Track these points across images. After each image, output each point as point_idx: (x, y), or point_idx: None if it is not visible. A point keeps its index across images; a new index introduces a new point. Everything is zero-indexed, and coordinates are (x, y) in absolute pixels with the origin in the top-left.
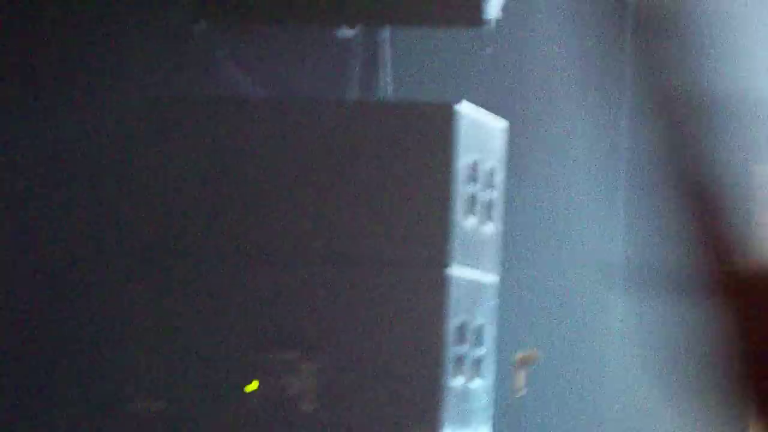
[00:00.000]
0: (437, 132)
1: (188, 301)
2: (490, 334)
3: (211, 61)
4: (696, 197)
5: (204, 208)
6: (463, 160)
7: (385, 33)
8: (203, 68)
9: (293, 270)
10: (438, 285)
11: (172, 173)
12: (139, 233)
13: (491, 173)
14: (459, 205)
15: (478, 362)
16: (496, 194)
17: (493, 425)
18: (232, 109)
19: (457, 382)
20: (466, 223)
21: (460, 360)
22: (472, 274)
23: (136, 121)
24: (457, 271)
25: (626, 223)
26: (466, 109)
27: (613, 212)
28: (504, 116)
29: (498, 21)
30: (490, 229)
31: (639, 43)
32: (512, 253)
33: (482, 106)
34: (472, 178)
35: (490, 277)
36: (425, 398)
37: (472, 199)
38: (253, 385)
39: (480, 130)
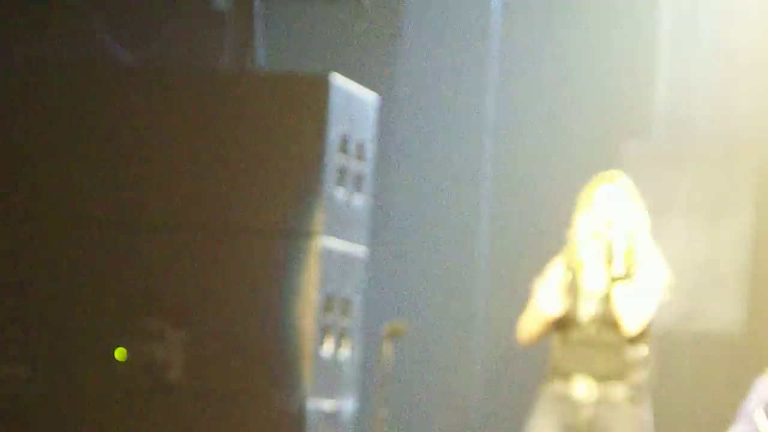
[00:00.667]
0: (310, 103)
1: (56, 266)
2: (357, 305)
3: (85, 28)
4: None
5: (73, 174)
6: (334, 132)
7: (259, 5)
8: (78, 35)
9: (163, 237)
10: (307, 255)
11: (41, 137)
12: (3, 198)
13: (362, 146)
14: (329, 176)
15: (345, 333)
16: (366, 167)
17: (360, 396)
18: (104, 76)
19: (324, 352)
20: (336, 194)
21: (327, 330)
22: (342, 246)
23: (7, 84)
24: (327, 241)
25: (491, 198)
26: (338, 81)
27: (477, 182)
28: (375, 90)
29: None
30: (360, 201)
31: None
32: (381, 226)
33: (354, 79)
34: (343, 149)
35: (358, 249)
36: (292, 367)
37: (343, 171)
38: (120, 353)
39: (351, 103)
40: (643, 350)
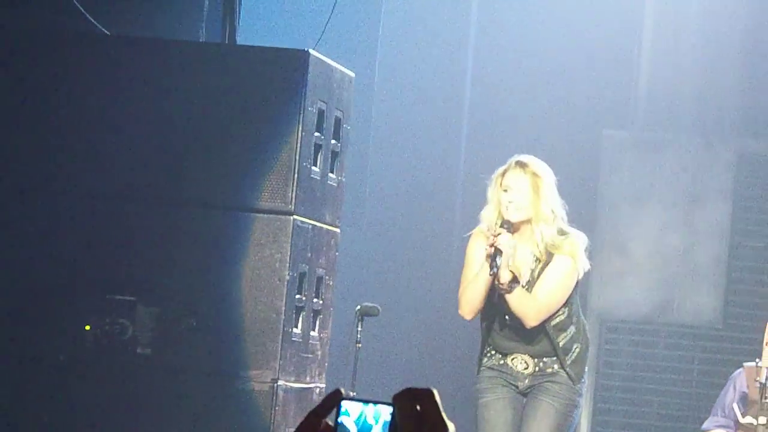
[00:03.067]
0: (286, 78)
1: (24, 241)
2: (329, 285)
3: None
4: None
5: (45, 146)
6: (310, 108)
7: None
8: (51, 6)
9: (135, 213)
10: (280, 233)
11: (16, 108)
12: None
13: (337, 123)
14: (304, 153)
15: (317, 313)
16: (341, 145)
17: (331, 376)
18: (76, 46)
19: (295, 331)
20: (310, 171)
21: (299, 310)
22: (315, 225)
23: None
24: (300, 219)
25: (467, 181)
26: (315, 57)
27: (455, 164)
28: (352, 68)
29: None
30: (334, 180)
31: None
32: (356, 206)
33: (332, 56)
34: (319, 127)
35: (332, 228)
36: (263, 346)
37: (318, 148)
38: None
39: (329, 80)
40: (571, 331)
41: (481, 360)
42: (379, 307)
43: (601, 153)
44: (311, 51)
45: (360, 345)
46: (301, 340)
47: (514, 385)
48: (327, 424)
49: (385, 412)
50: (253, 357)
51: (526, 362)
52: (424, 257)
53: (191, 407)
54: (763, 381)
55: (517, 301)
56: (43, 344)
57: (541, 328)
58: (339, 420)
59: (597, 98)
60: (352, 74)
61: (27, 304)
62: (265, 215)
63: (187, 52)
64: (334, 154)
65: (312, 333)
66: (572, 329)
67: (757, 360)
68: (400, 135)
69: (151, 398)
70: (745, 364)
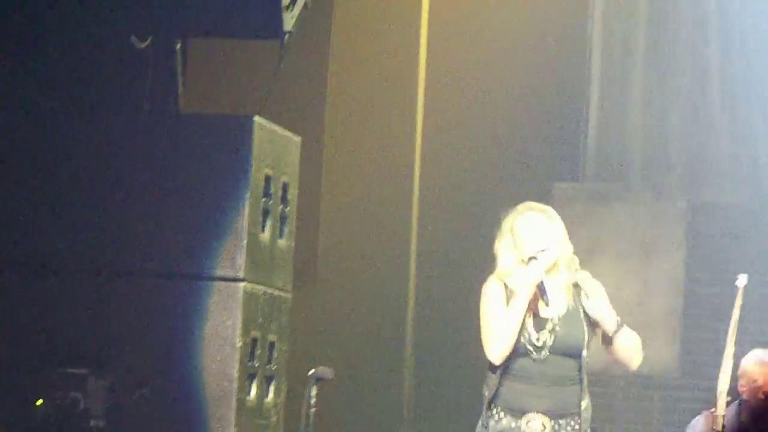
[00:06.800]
0: (232, 145)
1: None
2: (282, 350)
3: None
4: None
5: None
6: (256, 174)
7: (179, 44)
8: None
9: (83, 284)
10: (231, 300)
11: None
12: None
13: (285, 188)
14: (252, 219)
15: (269, 379)
16: (289, 209)
17: None
18: (22, 116)
19: (249, 397)
20: (259, 237)
21: (252, 376)
22: (265, 290)
23: None
24: (250, 286)
25: (420, 246)
26: (260, 122)
27: (406, 228)
28: (298, 132)
29: (293, 34)
30: (283, 244)
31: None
32: (305, 269)
33: (278, 120)
34: (266, 192)
35: (282, 294)
36: (217, 414)
37: (266, 214)
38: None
39: (274, 145)
40: (585, 382)
41: (486, 423)
42: (332, 371)
43: (552, 206)
44: (256, 117)
45: (314, 410)
46: (255, 406)
47: None
48: None
49: None
50: (207, 424)
51: (543, 424)
52: (378, 320)
53: None
54: (720, 430)
55: (626, 338)
56: None
57: (562, 375)
58: None
59: (547, 152)
60: (298, 138)
61: None
62: (215, 282)
63: (131, 121)
64: (283, 219)
65: (266, 399)
66: (585, 381)
67: (713, 409)
68: (351, 196)
69: None
70: (704, 412)
